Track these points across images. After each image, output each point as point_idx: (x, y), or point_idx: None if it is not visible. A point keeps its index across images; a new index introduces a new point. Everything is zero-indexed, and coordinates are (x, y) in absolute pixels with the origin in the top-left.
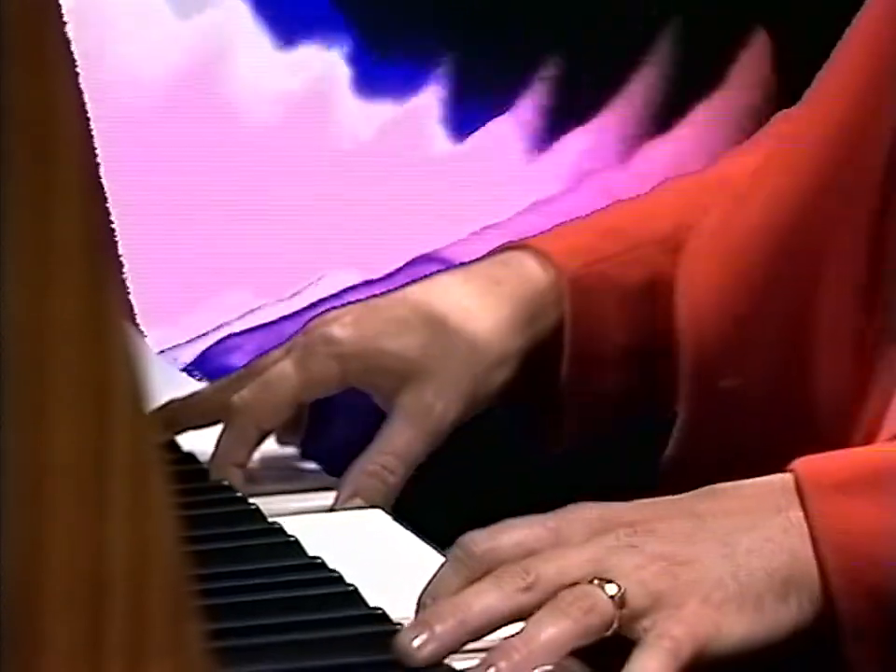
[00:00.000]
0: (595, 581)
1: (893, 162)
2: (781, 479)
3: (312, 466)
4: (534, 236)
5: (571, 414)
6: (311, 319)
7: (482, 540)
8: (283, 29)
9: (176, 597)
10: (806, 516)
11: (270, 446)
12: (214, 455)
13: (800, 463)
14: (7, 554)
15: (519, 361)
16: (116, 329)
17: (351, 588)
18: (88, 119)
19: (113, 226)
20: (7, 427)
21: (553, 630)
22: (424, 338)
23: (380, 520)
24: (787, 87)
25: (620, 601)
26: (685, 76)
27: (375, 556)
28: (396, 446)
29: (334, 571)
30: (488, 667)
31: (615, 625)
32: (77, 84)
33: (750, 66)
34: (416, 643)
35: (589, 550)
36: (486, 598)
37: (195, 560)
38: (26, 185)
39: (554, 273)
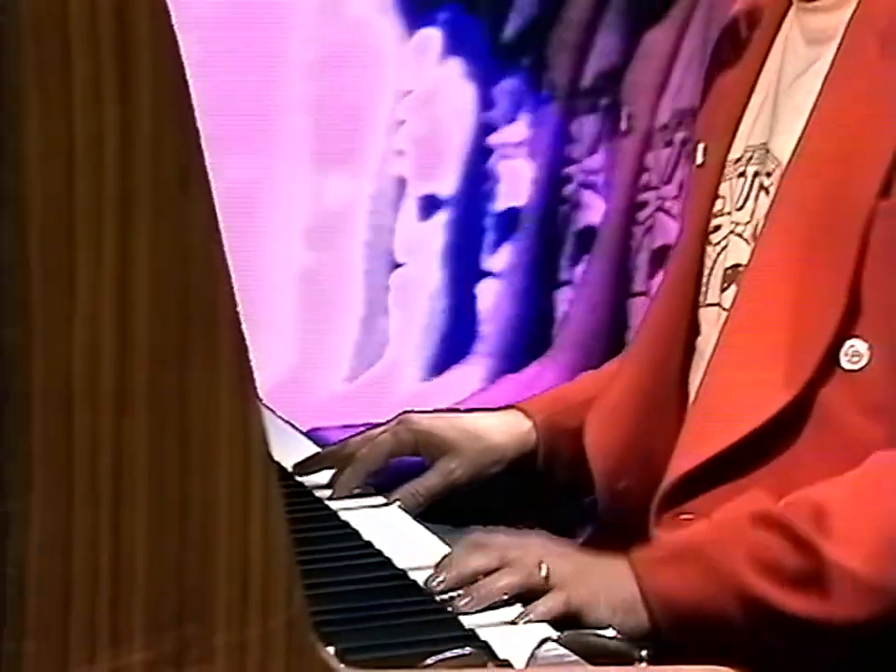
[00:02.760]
0: (538, 564)
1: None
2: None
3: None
4: (523, 400)
5: (541, 492)
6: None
7: (481, 537)
8: None
9: (289, 571)
10: (637, 580)
11: None
12: (337, 480)
13: (633, 552)
14: (190, 553)
15: (508, 463)
16: (254, 410)
17: (385, 558)
18: (230, 275)
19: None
20: (187, 473)
21: (507, 579)
22: (459, 438)
23: (402, 516)
24: None
25: (546, 577)
26: None
27: (397, 535)
28: (427, 485)
29: (381, 553)
30: (466, 595)
31: (541, 588)
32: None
33: None
34: (435, 582)
35: (539, 551)
36: (478, 561)
37: (298, 545)
38: (200, 345)
39: (532, 421)
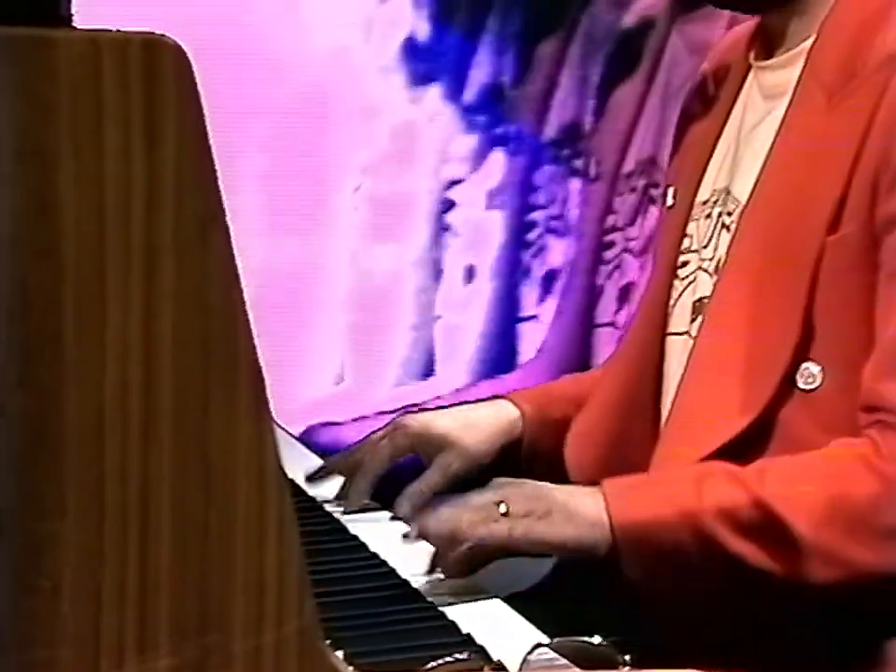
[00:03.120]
0: (498, 503)
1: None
2: (595, 487)
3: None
4: (510, 392)
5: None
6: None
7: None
8: None
9: (301, 582)
10: (604, 499)
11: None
12: (347, 490)
13: (606, 480)
14: (211, 569)
15: (498, 453)
16: (270, 441)
17: (390, 568)
18: (248, 315)
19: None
20: (208, 500)
21: (469, 518)
22: (454, 434)
23: (405, 529)
24: None
25: (506, 512)
26: None
27: (400, 547)
28: (429, 483)
29: (386, 564)
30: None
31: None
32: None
33: None
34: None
35: (499, 492)
36: (445, 512)
37: (309, 556)
38: (220, 382)
39: (519, 412)
